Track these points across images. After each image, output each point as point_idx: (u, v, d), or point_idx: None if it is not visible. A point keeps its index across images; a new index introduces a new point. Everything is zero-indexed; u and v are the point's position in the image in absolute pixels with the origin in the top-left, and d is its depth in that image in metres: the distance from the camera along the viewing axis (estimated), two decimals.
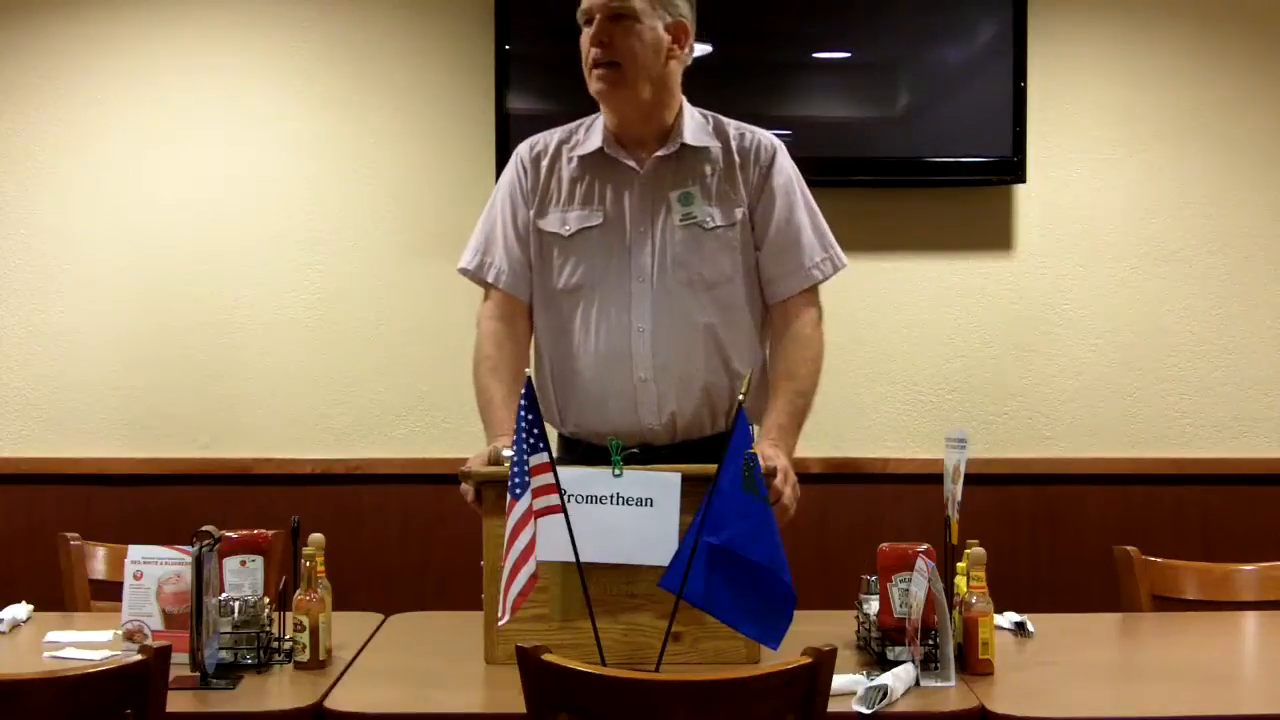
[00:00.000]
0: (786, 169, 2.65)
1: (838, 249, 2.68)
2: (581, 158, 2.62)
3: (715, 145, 2.61)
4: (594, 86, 2.55)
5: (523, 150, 2.68)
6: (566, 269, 2.60)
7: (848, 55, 3.91)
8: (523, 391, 2.07)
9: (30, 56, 3.87)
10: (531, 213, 2.63)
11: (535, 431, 2.07)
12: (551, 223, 2.61)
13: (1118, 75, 3.90)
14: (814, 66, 3.90)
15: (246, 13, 3.87)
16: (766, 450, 2.47)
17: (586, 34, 2.54)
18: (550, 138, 2.67)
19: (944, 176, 3.83)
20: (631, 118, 2.58)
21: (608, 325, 2.57)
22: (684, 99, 2.64)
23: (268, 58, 3.88)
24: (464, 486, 2.35)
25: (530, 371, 2.16)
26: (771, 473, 2.36)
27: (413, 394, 3.88)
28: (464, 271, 2.69)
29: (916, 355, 3.90)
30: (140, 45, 3.87)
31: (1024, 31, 3.77)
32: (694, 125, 2.62)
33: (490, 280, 2.66)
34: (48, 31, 3.86)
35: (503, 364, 2.60)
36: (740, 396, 2.08)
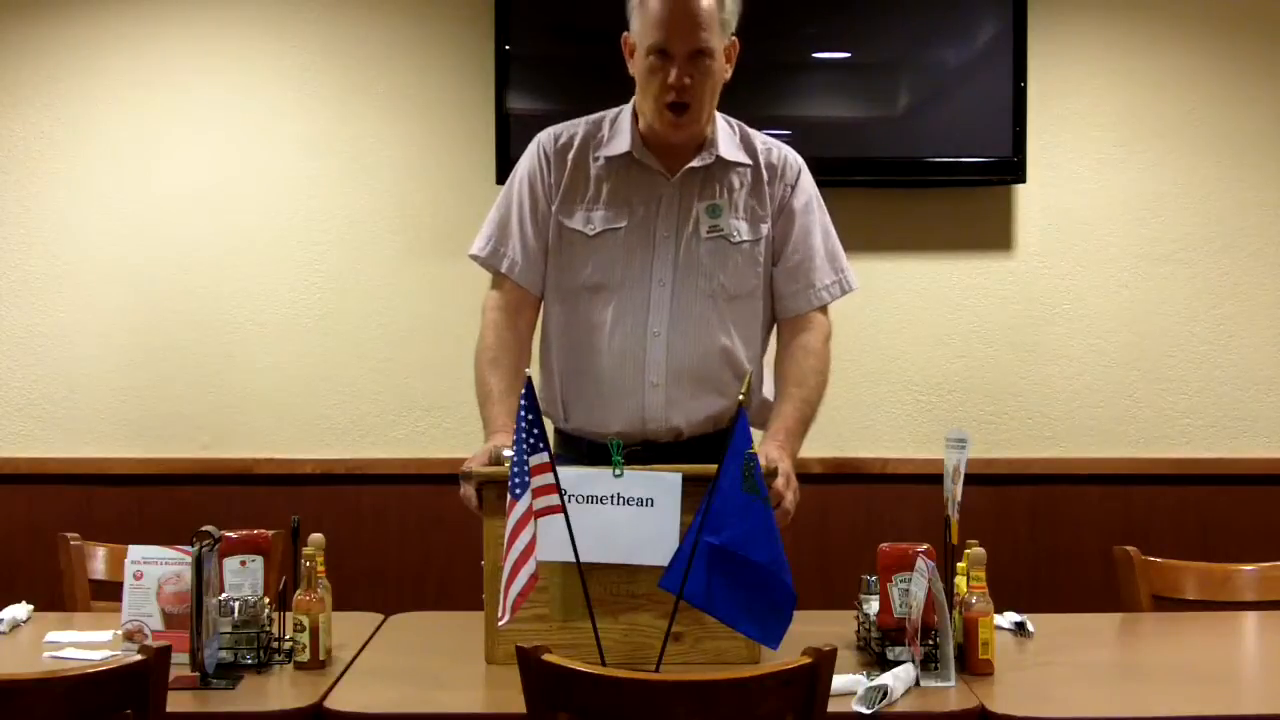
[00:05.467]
0: (808, 189, 2.66)
1: (849, 272, 2.69)
2: (609, 158, 2.60)
3: (748, 161, 2.61)
4: (661, 119, 2.52)
5: (546, 140, 2.64)
6: (588, 267, 2.58)
7: (848, 55, 3.91)
8: (523, 391, 2.07)
9: (30, 56, 3.87)
10: (554, 207, 2.61)
11: (535, 431, 2.06)
12: (576, 220, 2.59)
13: (1118, 75, 3.90)
14: (814, 66, 3.90)
15: (247, 13, 3.87)
16: (771, 452, 2.47)
17: (653, 63, 2.48)
18: (575, 130, 2.64)
19: (944, 176, 3.83)
20: (690, 139, 2.57)
21: (624, 327, 2.57)
22: None
23: (268, 58, 3.88)
24: (465, 491, 2.35)
25: (530, 371, 2.16)
26: (773, 474, 2.36)
27: (413, 394, 3.88)
28: (475, 258, 2.67)
29: (916, 355, 3.90)
30: (141, 46, 3.87)
31: (1024, 31, 3.78)
32: (725, 136, 2.61)
33: (503, 270, 2.64)
34: (48, 31, 3.87)
35: (503, 356, 2.59)
36: (740, 396, 2.09)
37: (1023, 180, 3.81)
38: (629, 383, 2.56)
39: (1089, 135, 3.90)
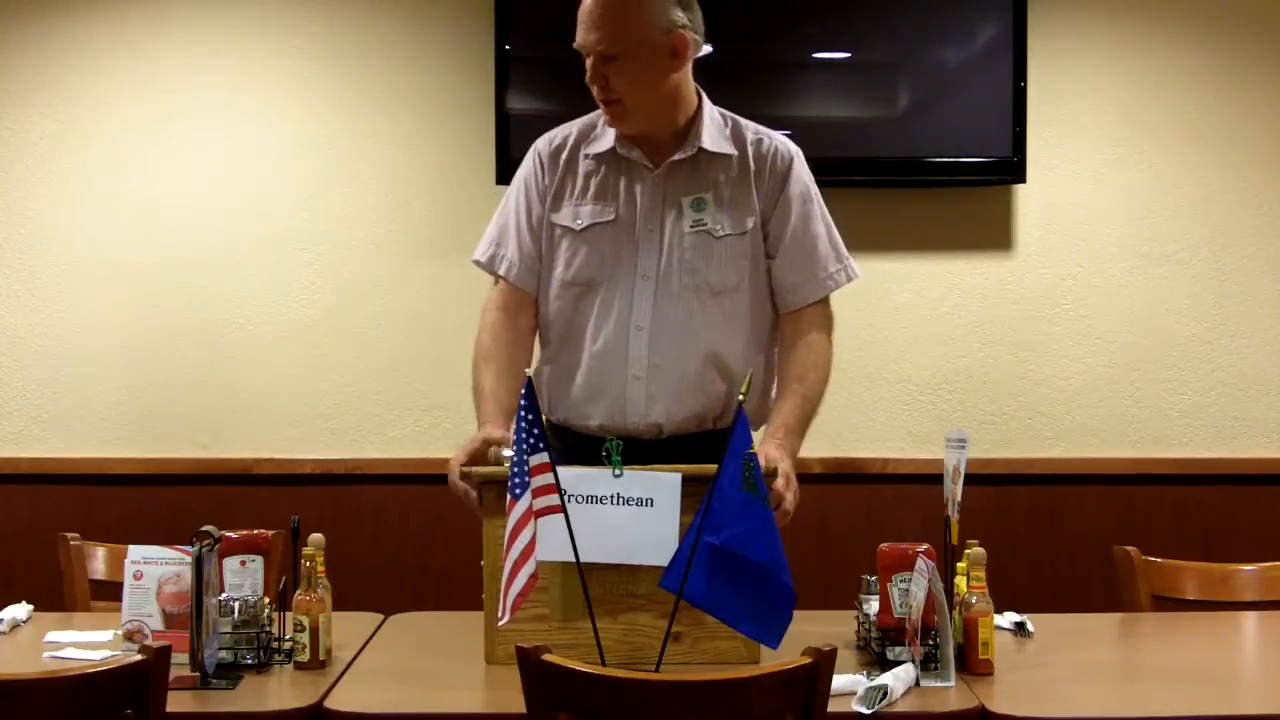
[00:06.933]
0: (803, 178, 2.64)
1: (850, 259, 2.68)
2: (597, 154, 2.61)
3: (732, 152, 2.60)
4: (604, 113, 2.57)
5: (541, 145, 2.68)
6: (575, 262, 2.60)
7: (848, 55, 3.91)
8: (523, 391, 2.07)
9: (30, 56, 3.87)
10: (546, 207, 2.63)
11: (535, 431, 2.07)
12: (564, 216, 2.62)
13: (1118, 75, 3.90)
14: (814, 66, 3.90)
15: (247, 13, 3.87)
16: (771, 452, 2.46)
17: (587, 62, 2.52)
18: (570, 131, 2.67)
19: (944, 176, 3.83)
20: (644, 132, 2.59)
21: (608, 321, 2.57)
22: (702, 96, 2.62)
23: (268, 58, 3.88)
24: (460, 484, 2.35)
25: (530, 371, 2.16)
26: (773, 474, 2.36)
27: (413, 394, 3.88)
28: (477, 263, 2.71)
29: (916, 355, 3.90)
30: (141, 46, 3.87)
31: (1024, 31, 3.77)
32: (713, 129, 2.61)
33: (501, 272, 2.67)
34: (48, 32, 3.87)
35: (498, 353, 2.62)
36: (740, 396, 2.08)
37: (1023, 180, 3.81)
38: (612, 377, 2.57)
39: (1089, 135, 3.90)
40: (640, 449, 2.51)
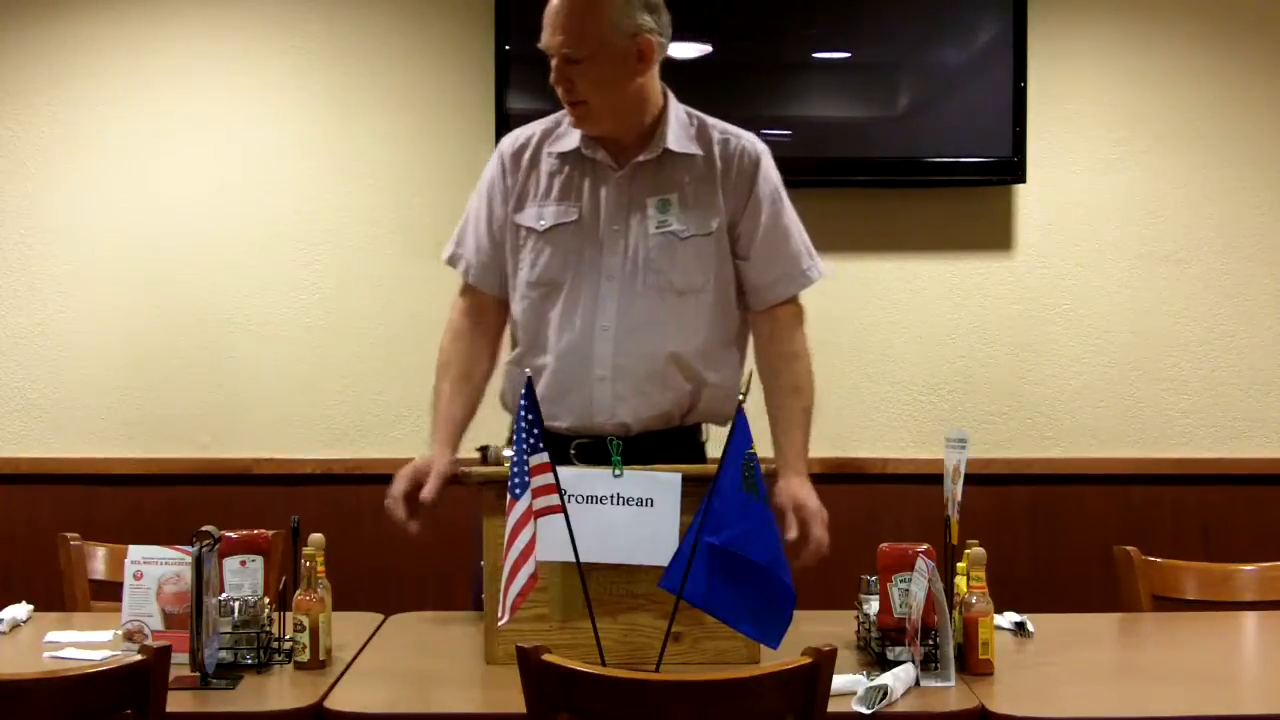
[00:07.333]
0: (772, 177, 2.63)
1: (818, 257, 2.67)
2: (561, 154, 2.61)
3: (697, 152, 2.59)
4: (568, 114, 2.58)
5: (504, 145, 2.68)
6: (540, 263, 2.59)
7: (848, 55, 3.91)
8: (523, 392, 2.08)
9: (30, 56, 3.87)
10: (509, 207, 2.63)
11: (535, 432, 2.07)
12: (528, 217, 2.61)
13: (1118, 75, 3.90)
14: (814, 66, 3.90)
15: (247, 13, 3.87)
16: (806, 493, 2.47)
17: (552, 63, 2.53)
18: (534, 130, 2.67)
19: (944, 176, 3.83)
20: (609, 134, 2.58)
21: (573, 321, 2.57)
22: (668, 96, 2.60)
23: (268, 58, 3.88)
24: (397, 508, 2.47)
25: (530, 371, 2.16)
26: (808, 514, 2.41)
27: (413, 394, 3.87)
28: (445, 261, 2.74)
29: (916, 355, 3.90)
30: (140, 46, 3.87)
31: (1024, 31, 3.77)
32: (678, 128, 2.59)
33: (459, 272, 2.69)
34: (48, 31, 3.87)
35: (455, 360, 2.66)
36: (740, 396, 2.09)
37: (1023, 180, 3.81)
38: (578, 377, 2.56)
39: (1089, 135, 3.90)
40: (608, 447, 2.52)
